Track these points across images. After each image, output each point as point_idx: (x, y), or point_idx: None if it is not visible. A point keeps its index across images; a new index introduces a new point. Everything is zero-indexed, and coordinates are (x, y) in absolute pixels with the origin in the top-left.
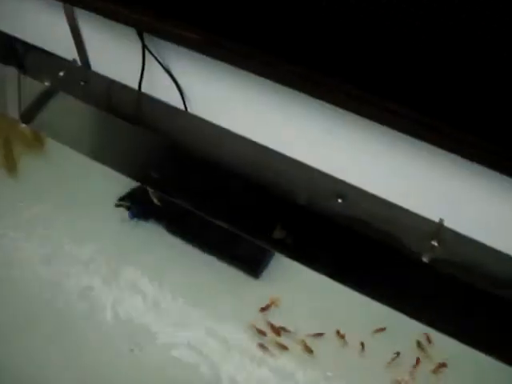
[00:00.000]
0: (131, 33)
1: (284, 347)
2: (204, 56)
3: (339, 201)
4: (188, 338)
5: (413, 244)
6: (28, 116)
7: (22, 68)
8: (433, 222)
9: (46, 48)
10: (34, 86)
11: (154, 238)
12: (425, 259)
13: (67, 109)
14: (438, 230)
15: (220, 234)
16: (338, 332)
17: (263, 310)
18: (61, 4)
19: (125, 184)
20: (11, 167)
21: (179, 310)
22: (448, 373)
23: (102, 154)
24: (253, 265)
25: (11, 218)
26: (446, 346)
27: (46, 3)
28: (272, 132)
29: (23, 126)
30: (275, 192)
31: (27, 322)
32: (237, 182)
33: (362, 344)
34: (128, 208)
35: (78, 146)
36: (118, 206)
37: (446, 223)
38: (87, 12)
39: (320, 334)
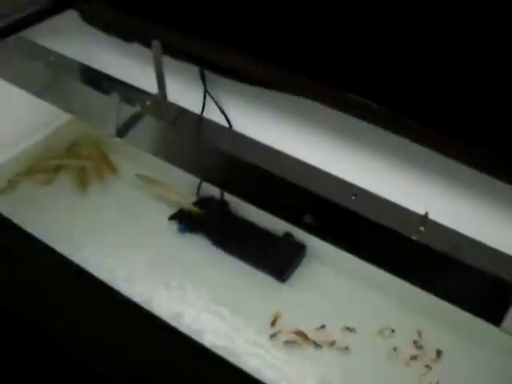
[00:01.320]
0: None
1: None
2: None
3: (353, 198)
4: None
5: (405, 228)
6: (121, 132)
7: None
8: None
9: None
10: (128, 110)
11: (198, 247)
12: (414, 237)
13: (151, 127)
14: (425, 219)
15: (253, 245)
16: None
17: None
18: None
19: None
20: (83, 187)
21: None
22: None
23: (172, 156)
24: (280, 270)
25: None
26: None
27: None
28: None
29: (117, 140)
30: (306, 191)
31: None
32: (279, 184)
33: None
34: (179, 222)
35: (154, 152)
36: (170, 219)
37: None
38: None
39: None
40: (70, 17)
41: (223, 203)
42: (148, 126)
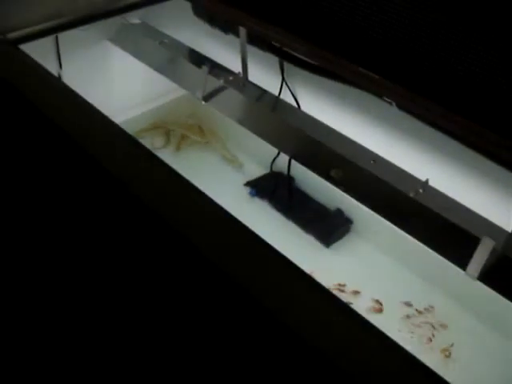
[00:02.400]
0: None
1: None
2: None
3: (372, 162)
4: None
5: (406, 188)
6: (206, 98)
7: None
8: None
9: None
10: (214, 82)
11: (263, 211)
12: (411, 195)
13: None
14: (425, 184)
15: (309, 214)
16: None
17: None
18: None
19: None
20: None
21: None
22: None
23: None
24: (326, 236)
25: None
26: None
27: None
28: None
29: (203, 103)
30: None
31: None
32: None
33: None
34: (251, 187)
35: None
36: (245, 185)
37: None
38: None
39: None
40: (185, 9)
41: (290, 178)
42: (228, 97)
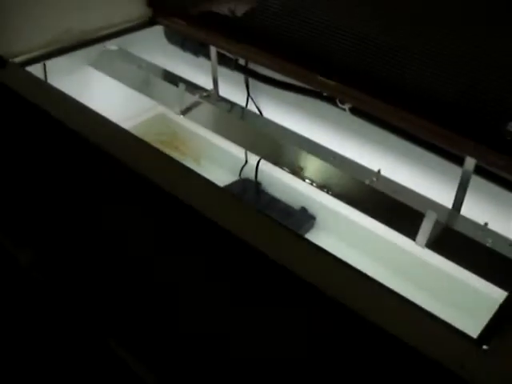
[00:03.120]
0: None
1: None
2: None
3: (332, 158)
4: None
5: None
6: (184, 112)
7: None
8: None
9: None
10: (190, 98)
11: None
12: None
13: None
14: (378, 173)
15: (275, 214)
16: None
17: None
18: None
19: None
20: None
21: None
22: None
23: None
24: None
25: None
26: None
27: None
28: None
29: (182, 117)
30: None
31: None
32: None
33: None
34: None
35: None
36: None
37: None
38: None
39: None
40: (157, 36)
41: (257, 183)
42: (204, 110)
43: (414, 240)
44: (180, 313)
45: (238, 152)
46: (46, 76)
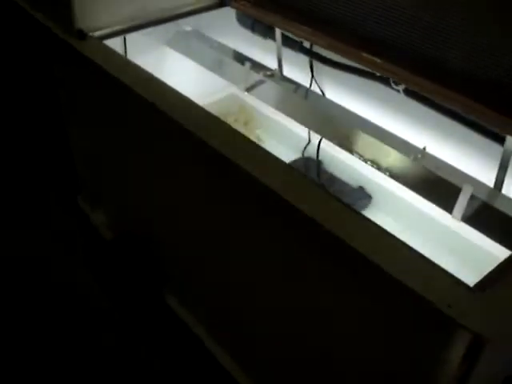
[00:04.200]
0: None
1: None
2: None
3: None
4: None
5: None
6: (248, 90)
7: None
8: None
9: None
10: (254, 76)
11: None
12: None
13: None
14: (423, 151)
15: (334, 191)
16: None
17: None
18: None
19: None
20: None
21: None
22: None
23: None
24: None
25: None
26: None
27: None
28: None
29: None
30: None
31: None
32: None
33: None
34: None
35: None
36: None
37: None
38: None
39: None
40: (229, 19)
41: (319, 161)
42: (267, 88)
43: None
44: (243, 281)
45: (301, 131)
46: (125, 51)
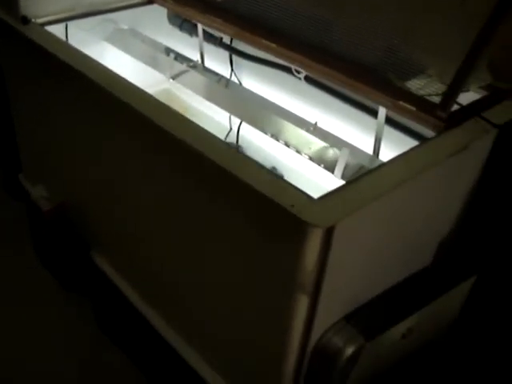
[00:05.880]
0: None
1: None
2: None
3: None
4: None
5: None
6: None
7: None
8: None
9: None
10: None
11: None
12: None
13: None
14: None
15: None
16: None
17: None
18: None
19: None
20: None
21: None
22: None
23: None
24: None
25: None
26: None
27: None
28: None
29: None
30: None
31: None
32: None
33: None
34: None
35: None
36: None
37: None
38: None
39: None
40: (161, 17)
41: (238, 146)
42: (190, 77)
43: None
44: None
45: (224, 121)
46: (67, 39)
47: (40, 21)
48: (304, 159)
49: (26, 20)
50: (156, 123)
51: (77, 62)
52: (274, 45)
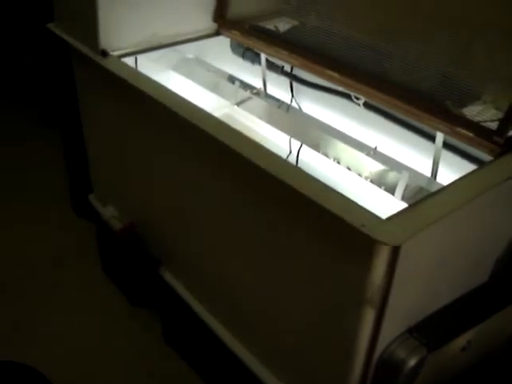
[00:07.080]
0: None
1: None
2: None
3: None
4: None
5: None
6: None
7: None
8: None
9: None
10: (243, 93)
11: None
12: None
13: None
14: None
15: None
16: None
17: None
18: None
19: None
20: None
21: None
22: None
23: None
24: None
25: None
26: None
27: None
28: None
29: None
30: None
31: None
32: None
33: None
34: None
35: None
36: None
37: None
38: None
39: None
40: (225, 47)
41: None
42: (253, 103)
43: (393, 195)
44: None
45: (284, 144)
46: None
47: (116, 53)
48: (362, 182)
49: (105, 53)
50: (233, 149)
51: (156, 92)
52: (336, 74)
